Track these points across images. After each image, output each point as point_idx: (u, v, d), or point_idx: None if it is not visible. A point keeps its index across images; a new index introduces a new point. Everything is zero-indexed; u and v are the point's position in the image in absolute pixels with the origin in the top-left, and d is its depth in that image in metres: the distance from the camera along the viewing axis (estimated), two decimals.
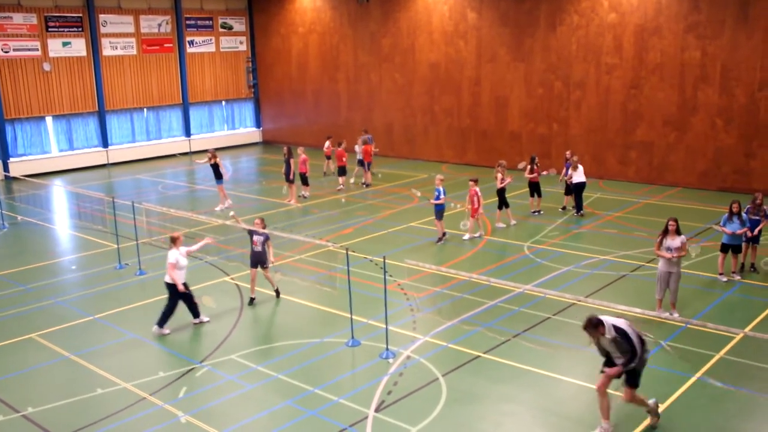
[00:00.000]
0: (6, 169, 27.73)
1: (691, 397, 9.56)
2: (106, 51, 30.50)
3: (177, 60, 33.06)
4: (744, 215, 14.01)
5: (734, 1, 21.40)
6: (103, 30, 30.27)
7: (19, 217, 21.34)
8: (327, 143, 26.31)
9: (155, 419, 9.33)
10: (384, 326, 11.27)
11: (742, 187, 21.73)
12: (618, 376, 8.49)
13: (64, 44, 29.18)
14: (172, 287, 12.02)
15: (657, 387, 9.75)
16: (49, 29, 28.67)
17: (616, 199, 21.75)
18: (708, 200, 21.08)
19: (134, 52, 31.49)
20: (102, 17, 30.18)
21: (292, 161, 21.65)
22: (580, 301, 12.76)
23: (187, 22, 33.28)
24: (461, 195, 20.01)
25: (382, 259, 11.23)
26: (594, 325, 8.37)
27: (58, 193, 25.94)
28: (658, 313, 11.58)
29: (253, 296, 13.48)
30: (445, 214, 17.29)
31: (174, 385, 10.28)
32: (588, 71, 24.71)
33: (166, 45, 32.59)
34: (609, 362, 8.52)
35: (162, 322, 12.10)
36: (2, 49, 27.53)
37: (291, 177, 21.77)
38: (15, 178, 26.82)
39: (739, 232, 13.84)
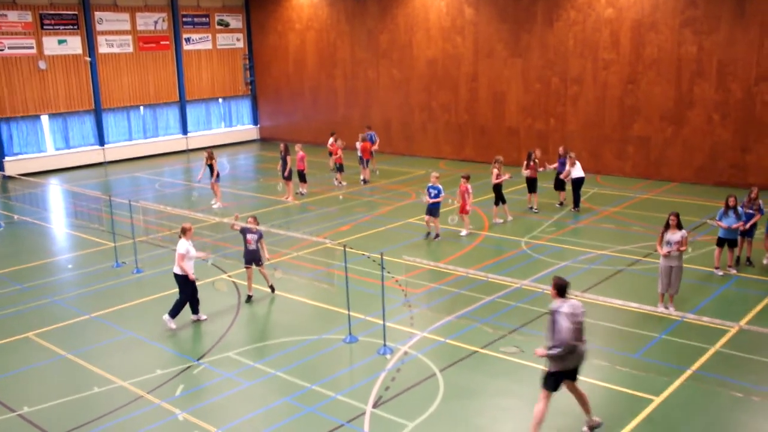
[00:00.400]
0: (2, 168, 27.67)
1: (687, 391, 9.58)
2: (102, 49, 30.43)
3: (174, 57, 33.00)
4: (740, 209, 14.05)
5: None
6: (98, 28, 30.20)
7: (16, 216, 21.32)
8: (331, 140, 26.23)
9: (152, 417, 9.33)
10: (381, 322, 11.27)
11: (738, 181, 21.76)
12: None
13: (60, 42, 29.12)
14: (181, 278, 12.01)
15: (651, 380, 9.78)
16: (44, 27, 28.59)
17: (614, 194, 21.76)
18: (705, 195, 21.11)
19: (131, 49, 31.43)
20: (98, 15, 30.11)
21: (288, 158, 21.63)
22: (577, 296, 12.77)
23: (184, 19, 33.21)
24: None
25: (380, 256, 11.23)
26: (556, 287, 8.22)
27: (55, 191, 25.90)
28: (657, 308, 11.60)
29: (250, 294, 13.49)
30: (440, 211, 17.31)
31: (171, 383, 10.28)
32: (585, 67, 24.70)
33: (162, 42, 32.53)
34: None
35: (174, 313, 12.11)
36: None
37: (287, 174, 21.76)
38: (11, 177, 26.79)
39: (735, 226, 13.87)
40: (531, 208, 19.70)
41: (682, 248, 12.01)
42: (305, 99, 34.19)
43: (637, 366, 10.32)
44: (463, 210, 17.46)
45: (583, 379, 9.80)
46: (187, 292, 12.14)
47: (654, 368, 10.19)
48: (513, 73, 26.53)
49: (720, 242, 14.20)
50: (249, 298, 13.43)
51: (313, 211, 20.59)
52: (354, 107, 32.02)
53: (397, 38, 29.82)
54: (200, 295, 12.59)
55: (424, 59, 29.05)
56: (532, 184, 19.65)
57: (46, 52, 28.78)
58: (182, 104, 33.58)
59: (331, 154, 25.96)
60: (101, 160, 30.74)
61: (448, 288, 13.76)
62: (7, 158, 28.27)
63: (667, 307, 12.19)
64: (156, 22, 32.12)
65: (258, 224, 13.19)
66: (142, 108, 32.36)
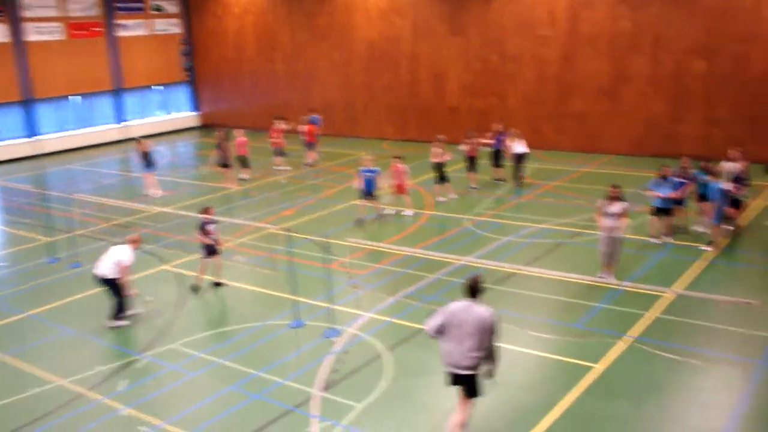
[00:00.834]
0: None
1: (627, 356, 9.87)
2: (32, 36, 29.19)
3: (107, 44, 31.90)
4: (674, 179, 14.48)
5: None
6: (26, 14, 28.91)
7: None
8: (276, 123, 25.48)
9: (95, 414, 9.10)
10: (327, 306, 11.22)
11: (672, 152, 22.38)
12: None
13: None
14: (110, 282, 11.64)
15: (592, 348, 10.05)
16: None
17: (554, 168, 22.15)
18: (641, 165, 21.66)
19: (62, 36, 30.25)
20: (25, 1, 28.78)
21: (224, 145, 21.23)
22: (520, 269, 13.01)
23: (117, 4, 32.08)
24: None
25: (324, 239, 11.16)
26: (469, 288, 7.71)
27: None
28: (596, 276, 11.88)
29: (200, 284, 13.23)
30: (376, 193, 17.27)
31: (114, 378, 10.04)
32: (523, 45, 24.94)
33: (94, 29, 31.40)
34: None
35: (118, 314, 11.82)
36: None
37: (226, 161, 21.37)
38: None
39: (671, 195, 14.30)
40: (472, 187, 19.84)
41: (623, 219, 12.21)
42: (245, 84, 33.60)
43: (578, 335, 10.58)
44: (402, 190, 17.49)
45: (526, 351, 10.02)
46: (120, 294, 11.82)
47: (595, 336, 10.46)
48: (452, 52, 26.60)
49: (656, 211, 14.63)
50: (197, 289, 13.18)
51: (255, 197, 20.32)
52: (295, 91, 31.63)
53: (336, 20, 29.51)
54: (141, 288, 12.30)
55: (364, 40, 28.85)
56: (472, 163, 19.80)
57: None
58: (119, 92, 32.57)
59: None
60: (33, 152, 29.57)
61: (393, 268, 13.81)
62: None
63: (603, 276, 12.49)
64: (86, 8, 30.95)
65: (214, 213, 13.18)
66: (77, 97, 31.22)
